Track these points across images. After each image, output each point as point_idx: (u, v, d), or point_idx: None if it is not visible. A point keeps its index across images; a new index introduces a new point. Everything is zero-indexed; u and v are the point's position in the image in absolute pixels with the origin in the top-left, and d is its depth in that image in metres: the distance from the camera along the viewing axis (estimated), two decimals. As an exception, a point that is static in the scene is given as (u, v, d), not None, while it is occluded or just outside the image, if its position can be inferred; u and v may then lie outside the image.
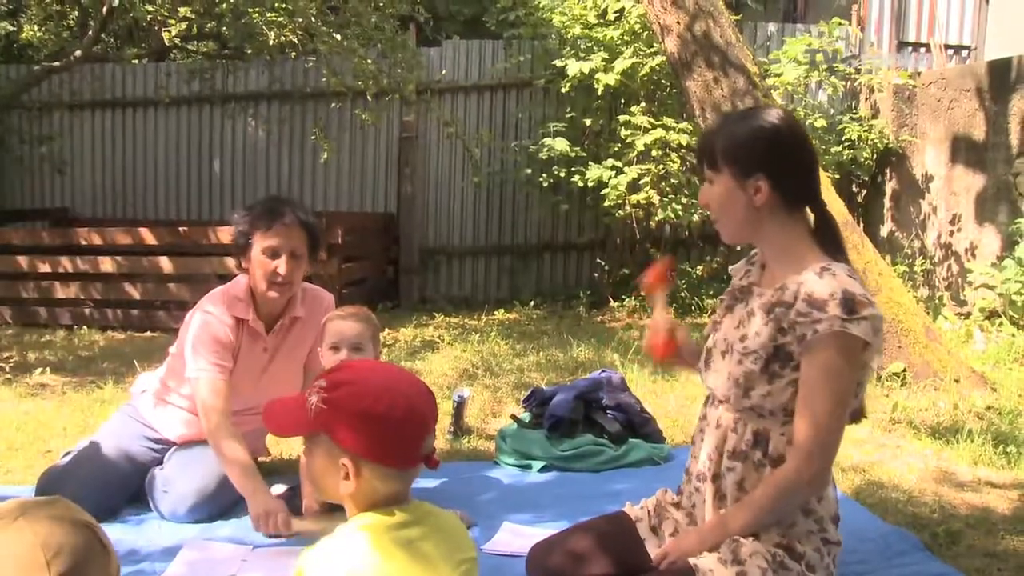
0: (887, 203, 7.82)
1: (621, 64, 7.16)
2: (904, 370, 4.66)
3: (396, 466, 1.49)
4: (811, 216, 1.98)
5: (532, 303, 7.77)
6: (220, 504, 2.93)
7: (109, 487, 2.94)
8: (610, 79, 7.16)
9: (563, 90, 7.58)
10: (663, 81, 7.42)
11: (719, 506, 1.97)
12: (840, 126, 7.65)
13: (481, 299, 8.20)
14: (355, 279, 7.40)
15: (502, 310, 7.62)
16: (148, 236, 6.78)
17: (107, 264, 6.79)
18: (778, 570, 1.86)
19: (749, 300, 2.00)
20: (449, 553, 1.51)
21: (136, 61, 8.47)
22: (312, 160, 8.43)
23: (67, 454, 3.08)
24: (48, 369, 5.25)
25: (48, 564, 1.22)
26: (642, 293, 2.26)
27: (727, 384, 1.94)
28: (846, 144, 7.55)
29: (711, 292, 7.19)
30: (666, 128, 7.07)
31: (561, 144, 7.40)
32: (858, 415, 2.00)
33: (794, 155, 1.93)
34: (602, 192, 7.24)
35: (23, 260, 7.03)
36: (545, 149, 7.46)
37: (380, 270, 8.14)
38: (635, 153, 7.17)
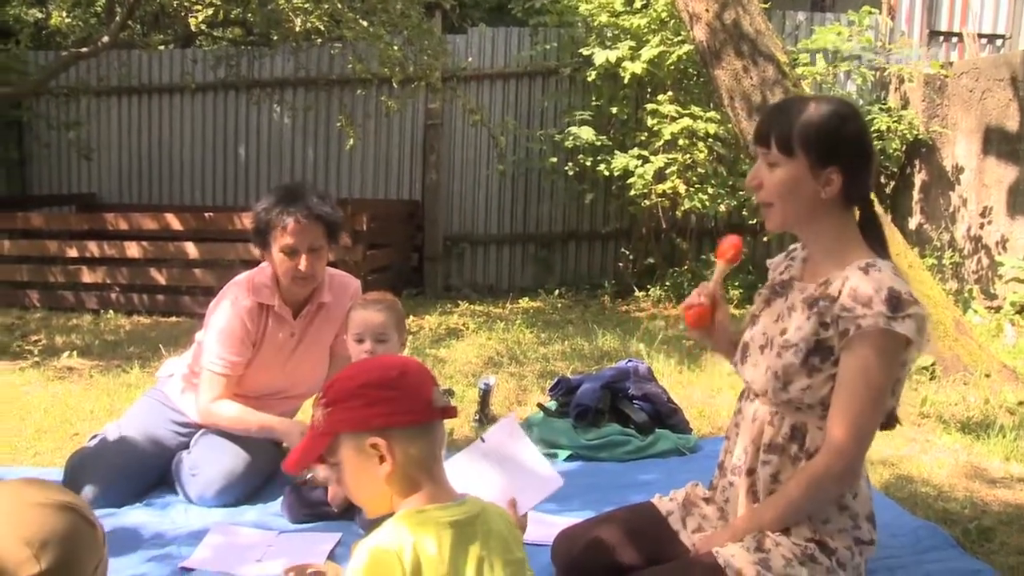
0: (916, 195, 7.73)
1: (648, 52, 7.10)
2: (934, 364, 4.60)
3: (418, 420, 1.48)
4: (857, 213, 1.95)
5: (557, 292, 7.75)
6: (248, 487, 2.94)
7: (136, 470, 2.96)
8: (637, 68, 7.11)
9: (589, 78, 7.54)
10: (690, 70, 7.36)
11: (753, 500, 1.95)
12: (869, 116, 7.55)
13: (506, 287, 8.19)
14: (380, 266, 7.41)
15: (527, 298, 7.61)
16: (174, 221, 6.83)
17: (133, 249, 6.84)
18: (806, 562, 1.84)
19: (789, 294, 1.97)
20: (501, 553, 1.49)
21: (162, 47, 8.51)
22: (337, 147, 8.44)
23: (94, 437, 3.10)
24: (75, 352, 5.29)
25: (37, 558, 1.13)
26: (715, 257, 2.20)
27: (765, 377, 1.92)
28: (875, 135, 7.46)
29: (735, 283, 7.14)
30: (693, 117, 7.02)
31: (587, 133, 7.36)
32: (892, 422, 1.96)
33: (866, 152, 1.91)
34: (628, 181, 7.20)
35: (51, 244, 7.12)
36: (571, 138, 7.42)
37: (405, 257, 8.14)
38: (661, 142, 7.11)
